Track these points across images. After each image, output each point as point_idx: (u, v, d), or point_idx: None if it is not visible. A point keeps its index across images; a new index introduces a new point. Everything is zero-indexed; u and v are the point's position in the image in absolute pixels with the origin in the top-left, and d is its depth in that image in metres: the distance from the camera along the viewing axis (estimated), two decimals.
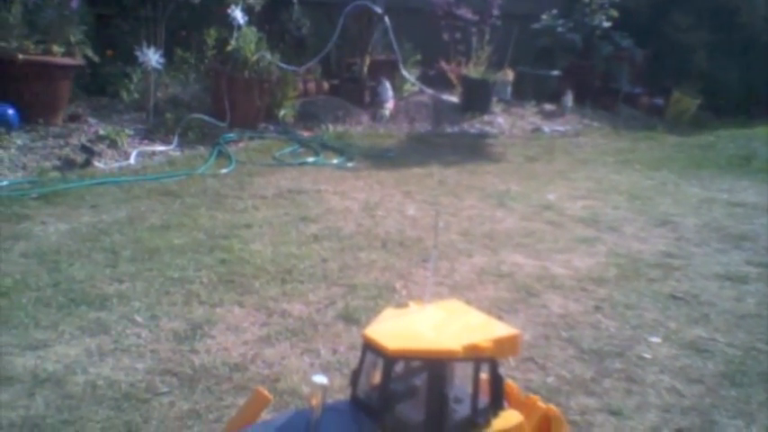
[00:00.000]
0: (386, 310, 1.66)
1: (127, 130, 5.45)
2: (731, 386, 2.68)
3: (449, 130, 7.28)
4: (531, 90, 8.26)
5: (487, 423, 1.58)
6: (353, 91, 7.38)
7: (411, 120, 7.34)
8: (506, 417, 1.62)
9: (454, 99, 7.83)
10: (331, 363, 2.61)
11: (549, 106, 8.13)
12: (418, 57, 8.14)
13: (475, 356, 1.52)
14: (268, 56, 6.32)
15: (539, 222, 4.57)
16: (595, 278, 3.66)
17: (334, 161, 5.77)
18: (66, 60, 5.47)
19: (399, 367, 1.55)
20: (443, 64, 7.94)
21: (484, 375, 1.59)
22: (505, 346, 1.60)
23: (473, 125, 7.41)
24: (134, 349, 2.58)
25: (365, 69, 7.46)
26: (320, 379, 1.45)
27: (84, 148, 5.01)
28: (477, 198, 5.02)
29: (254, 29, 6.36)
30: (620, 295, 3.47)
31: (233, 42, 6.20)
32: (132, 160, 5.14)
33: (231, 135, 5.95)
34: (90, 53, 5.65)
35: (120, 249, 3.50)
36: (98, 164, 4.96)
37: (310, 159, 5.71)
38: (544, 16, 8.60)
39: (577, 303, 3.34)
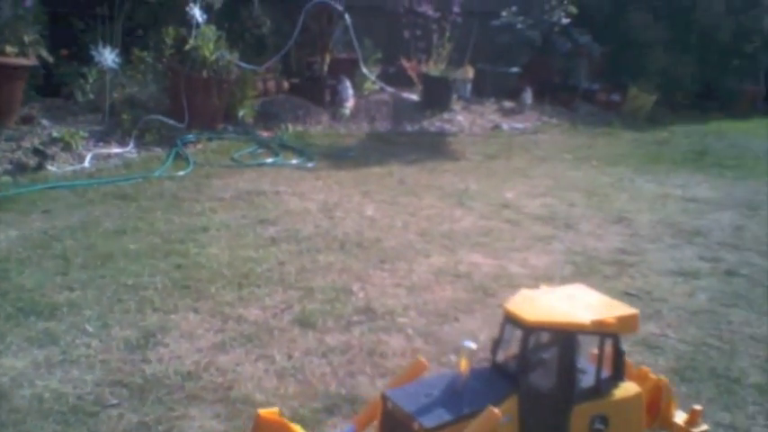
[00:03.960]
0: (521, 290, 1.90)
1: (81, 132, 5.35)
2: (681, 382, 2.73)
3: (409, 128, 7.28)
4: (491, 87, 8.31)
5: (609, 392, 1.79)
6: (314, 90, 7.34)
7: (371, 118, 7.33)
8: (626, 387, 1.83)
9: (415, 97, 7.84)
10: (286, 368, 2.60)
11: (508, 103, 8.18)
12: (379, 55, 8.12)
13: (601, 331, 1.74)
14: (227, 55, 6.26)
15: (497, 221, 4.59)
16: (551, 276, 3.69)
17: (294, 161, 5.74)
18: (20, 61, 5.37)
19: (533, 339, 1.75)
20: (404, 62, 7.93)
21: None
22: (627, 323, 1.81)
23: (433, 123, 7.42)
24: (83, 360, 2.55)
25: (325, 68, 7.43)
26: (470, 344, 1.71)
27: (36, 152, 4.92)
28: (436, 197, 5.03)
29: (213, 27, 6.30)
30: None
31: (191, 41, 6.13)
32: (87, 163, 5.07)
33: (189, 136, 5.88)
34: (44, 53, 5.55)
35: (73, 256, 3.45)
36: (51, 167, 4.88)
37: (269, 160, 5.68)
38: (504, 13, 8.64)
39: None
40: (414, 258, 3.81)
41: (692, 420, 2.00)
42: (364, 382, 2.55)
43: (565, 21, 8.62)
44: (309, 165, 5.68)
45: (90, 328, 2.76)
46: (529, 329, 1.72)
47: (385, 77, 8.09)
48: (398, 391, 1.76)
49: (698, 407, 2.02)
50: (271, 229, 4.10)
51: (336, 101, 7.32)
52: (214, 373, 2.53)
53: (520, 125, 7.77)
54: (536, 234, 4.38)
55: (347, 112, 7.24)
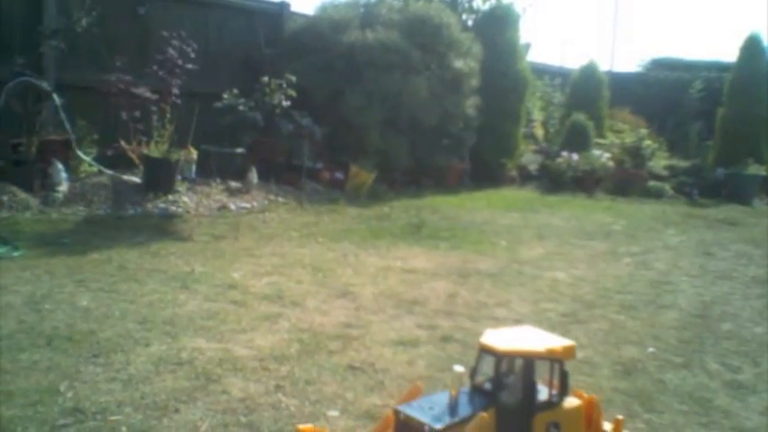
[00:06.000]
0: (488, 330, 2.34)
1: None
2: None
3: (131, 211, 6.96)
4: (217, 168, 8.27)
5: (559, 404, 2.27)
6: (21, 174, 6.78)
7: (89, 202, 6.91)
8: (571, 401, 2.32)
9: (136, 179, 7.55)
10: None
11: (234, 183, 8.17)
12: (95, 136, 7.76)
13: (551, 357, 2.25)
14: None
15: (223, 303, 4.48)
16: (277, 356, 3.65)
17: None
18: None
19: (503, 365, 2.21)
20: (123, 143, 7.63)
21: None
22: (569, 351, 2.30)
23: (157, 205, 7.17)
24: None
25: (33, 150, 6.91)
26: (459, 368, 2.19)
27: None
28: (158, 282, 4.81)
29: None
30: (302, 371, 3.49)
31: None
32: None
33: None
34: None
35: None
36: None
37: None
38: (226, 95, 8.71)
39: (258, 384, 3.28)
40: (132, 349, 3.57)
41: (617, 428, 2.50)
42: None
43: (286, 103, 8.89)
44: (15, 254, 5.18)
45: None
46: (500, 356, 2.19)
47: (103, 160, 7.72)
48: (407, 406, 2.20)
49: (620, 417, 2.52)
50: None
51: (48, 185, 6.82)
52: None
53: (247, 204, 7.79)
54: (262, 314, 4.33)
55: (60, 196, 6.77)
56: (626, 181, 11.79)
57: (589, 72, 14.99)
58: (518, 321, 4.54)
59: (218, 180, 8.16)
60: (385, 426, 2.28)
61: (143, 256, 5.49)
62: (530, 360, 2.22)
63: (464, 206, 9.29)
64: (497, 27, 12.18)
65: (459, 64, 10.78)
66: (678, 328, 4.71)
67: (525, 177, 12.38)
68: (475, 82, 11.13)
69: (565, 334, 4.32)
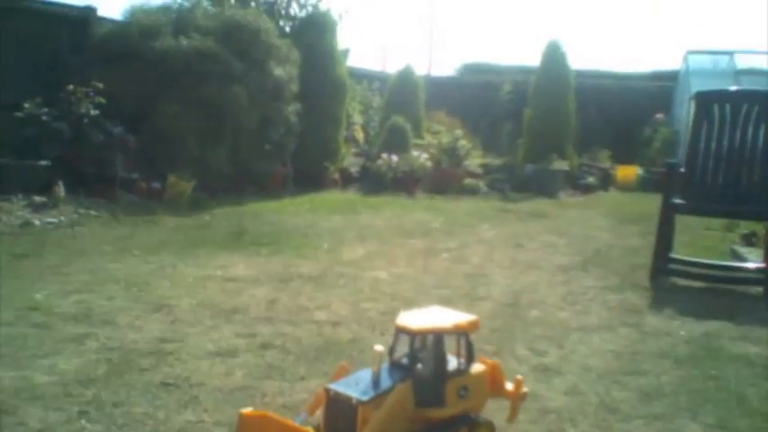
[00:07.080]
0: (401, 312, 2.70)
1: None
2: None
3: None
4: (19, 182, 7.69)
5: (467, 371, 2.65)
6: None
7: None
8: (476, 367, 2.71)
9: None
10: None
11: (39, 198, 7.63)
12: None
13: (458, 331, 2.62)
14: None
15: (22, 327, 4.16)
16: (82, 380, 3.43)
17: None
18: None
19: (417, 342, 2.59)
20: None
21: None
22: (474, 324, 2.68)
23: None
24: None
25: None
26: (379, 348, 2.50)
27: None
28: None
29: None
30: (109, 393, 3.30)
31: None
32: None
33: None
34: None
35: None
36: None
37: None
38: (27, 104, 8.14)
39: (59, 412, 3.07)
40: None
41: (518, 387, 2.85)
42: None
43: (95, 112, 8.44)
44: None
45: None
46: (414, 335, 2.56)
47: None
48: (335, 384, 2.49)
49: (519, 377, 2.88)
50: None
51: None
52: None
53: (54, 219, 7.30)
54: (68, 335, 4.06)
55: None
56: (444, 180, 12.22)
57: (406, 76, 15.43)
58: (337, 323, 4.57)
59: (20, 195, 7.60)
60: (316, 403, 2.60)
61: None
62: (439, 336, 2.59)
63: (286, 211, 9.24)
64: (315, 33, 12.25)
65: (279, 71, 10.73)
66: (491, 317, 4.92)
67: (347, 180, 12.52)
68: (295, 87, 11.13)
69: (384, 332, 4.43)
